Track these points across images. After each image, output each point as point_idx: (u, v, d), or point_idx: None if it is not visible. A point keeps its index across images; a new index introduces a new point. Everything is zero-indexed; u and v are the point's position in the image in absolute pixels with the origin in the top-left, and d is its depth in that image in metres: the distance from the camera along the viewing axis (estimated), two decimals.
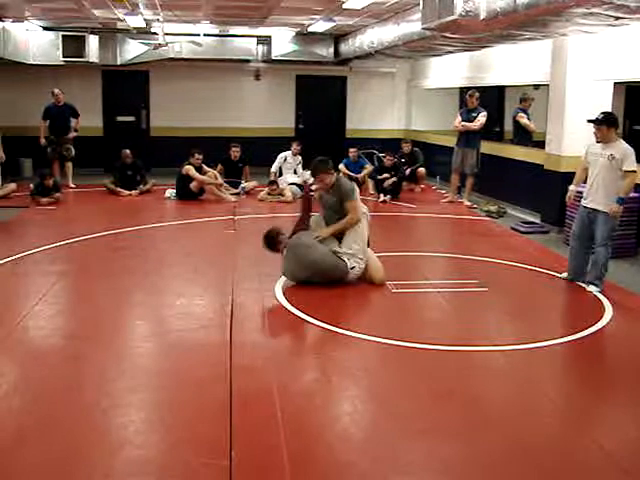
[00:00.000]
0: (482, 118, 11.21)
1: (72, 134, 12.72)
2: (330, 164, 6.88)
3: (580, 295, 6.52)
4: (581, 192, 6.82)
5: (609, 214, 6.41)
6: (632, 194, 8.04)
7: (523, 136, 11.61)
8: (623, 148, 6.41)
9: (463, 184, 11.77)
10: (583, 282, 6.75)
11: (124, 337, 5.45)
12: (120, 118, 15.43)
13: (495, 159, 11.75)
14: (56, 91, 12.63)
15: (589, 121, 6.64)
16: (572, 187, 6.91)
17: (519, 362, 5.00)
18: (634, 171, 6.35)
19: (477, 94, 11.41)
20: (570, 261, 6.87)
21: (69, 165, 12.83)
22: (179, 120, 15.29)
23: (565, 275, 6.94)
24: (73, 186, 12.65)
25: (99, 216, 10.52)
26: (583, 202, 6.67)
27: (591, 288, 6.55)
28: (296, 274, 6.56)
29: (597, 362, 5.33)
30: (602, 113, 6.60)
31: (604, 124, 6.46)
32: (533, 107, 11.78)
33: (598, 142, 6.56)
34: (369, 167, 12.89)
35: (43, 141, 12.44)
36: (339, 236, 6.66)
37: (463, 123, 11.31)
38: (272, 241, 6.70)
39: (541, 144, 10.39)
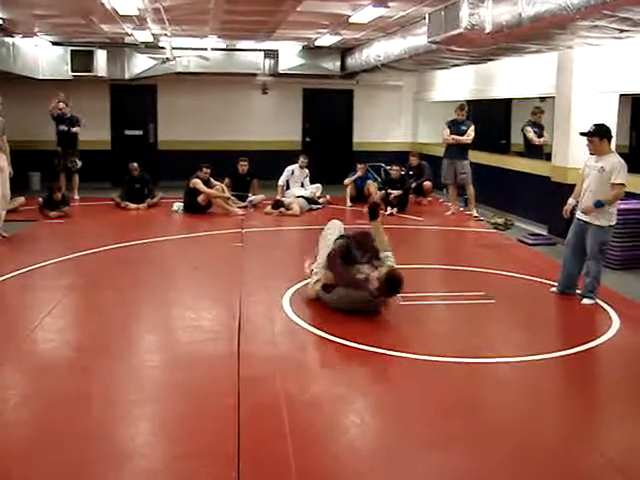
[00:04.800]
0: (472, 132, 11.34)
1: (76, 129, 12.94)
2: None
3: (587, 307, 6.51)
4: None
5: (592, 219, 6.43)
6: (638, 205, 8.08)
7: (532, 149, 11.64)
8: (614, 161, 6.37)
9: (460, 194, 11.84)
10: (573, 293, 6.75)
11: (132, 349, 5.47)
12: (128, 132, 15.51)
13: (502, 171, 11.77)
14: (60, 105, 12.74)
15: (581, 134, 6.63)
16: (571, 200, 6.84)
17: (526, 374, 4.99)
18: (622, 184, 6.33)
19: (466, 107, 11.51)
20: (562, 271, 6.85)
21: (75, 177, 12.95)
22: (187, 134, 15.36)
23: (554, 289, 6.89)
24: (77, 198, 12.74)
25: (107, 229, 10.57)
26: (577, 213, 6.68)
27: (585, 301, 6.55)
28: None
29: (604, 373, 5.34)
30: (594, 125, 6.53)
31: (596, 136, 6.44)
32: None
33: (592, 154, 6.56)
34: (373, 183, 12.91)
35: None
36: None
37: (454, 137, 11.39)
38: (402, 283, 5.96)
39: (547, 156, 10.42)
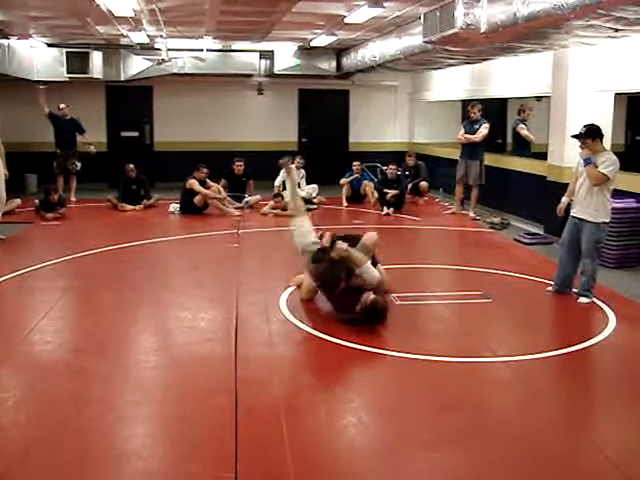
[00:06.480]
0: (484, 130, 11.20)
1: (92, 149, 12.97)
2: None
3: (584, 305, 6.52)
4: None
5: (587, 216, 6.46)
6: (634, 204, 8.10)
7: (522, 147, 11.64)
8: (606, 157, 6.39)
9: (467, 196, 11.81)
10: (570, 292, 6.77)
11: (130, 350, 5.47)
12: (124, 133, 15.49)
13: (498, 171, 11.77)
14: (61, 106, 12.77)
15: (573, 136, 6.63)
16: (564, 199, 6.88)
17: (523, 373, 4.99)
18: (605, 175, 6.32)
19: (479, 106, 11.43)
20: (558, 270, 6.87)
21: (73, 179, 12.96)
22: (183, 135, 15.34)
23: (550, 289, 6.91)
24: (74, 199, 12.74)
25: (104, 231, 10.56)
26: (572, 212, 6.69)
27: (582, 300, 6.57)
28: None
29: (601, 372, 5.35)
30: (584, 127, 6.54)
31: (588, 137, 6.44)
32: (535, 118, 11.82)
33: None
34: (369, 183, 12.89)
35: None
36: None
37: (465, 135, 11.33)
38: (385, 314, 5.96)
39: (543, 155, 10.43)
